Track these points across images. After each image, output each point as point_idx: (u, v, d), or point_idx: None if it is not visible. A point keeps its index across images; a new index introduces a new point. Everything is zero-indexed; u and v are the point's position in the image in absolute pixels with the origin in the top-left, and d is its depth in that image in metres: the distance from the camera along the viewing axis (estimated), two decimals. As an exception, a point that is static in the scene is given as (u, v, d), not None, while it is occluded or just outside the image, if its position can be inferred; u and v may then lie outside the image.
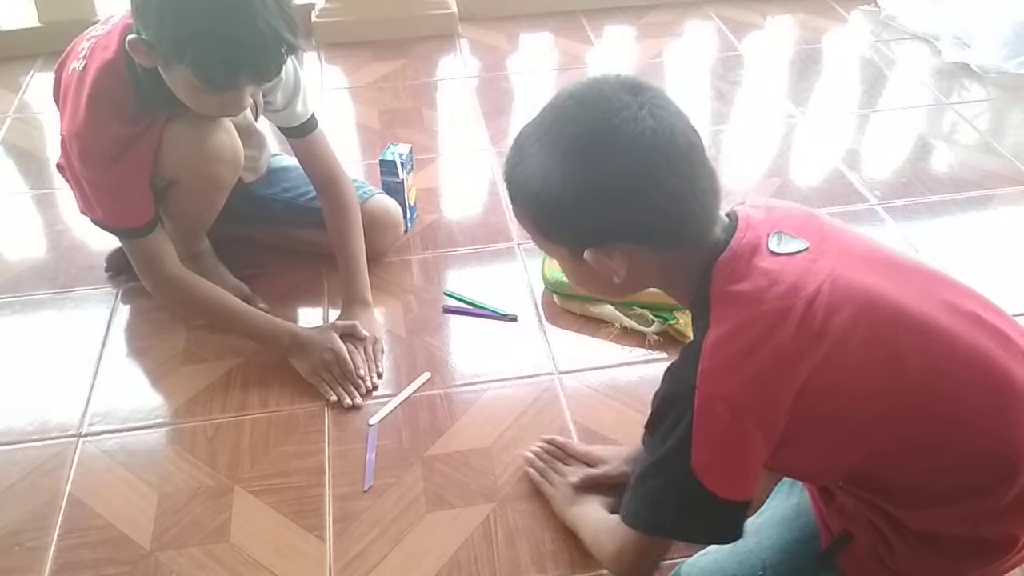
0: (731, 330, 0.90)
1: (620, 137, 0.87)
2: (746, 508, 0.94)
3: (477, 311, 1.67)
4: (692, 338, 0.96)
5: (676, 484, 0.93)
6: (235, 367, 1.56)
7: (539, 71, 2.53)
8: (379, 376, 1.54)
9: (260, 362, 1.56)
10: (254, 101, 1.56)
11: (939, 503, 0.95)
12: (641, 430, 1.01)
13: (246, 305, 1.57)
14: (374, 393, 1.51)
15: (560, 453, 1.37)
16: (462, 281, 1.74)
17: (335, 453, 1.40)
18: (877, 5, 2.78)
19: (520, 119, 2.27)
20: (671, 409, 0.93)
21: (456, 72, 2.53)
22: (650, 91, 0.90)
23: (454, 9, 2.68)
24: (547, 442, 1.39)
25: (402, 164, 1.77)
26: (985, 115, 2.31)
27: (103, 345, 1.61)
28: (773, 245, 0.94)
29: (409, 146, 1.83)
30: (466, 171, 2.12)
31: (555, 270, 1.68)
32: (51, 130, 2.27)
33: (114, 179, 1.42)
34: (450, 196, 2.03)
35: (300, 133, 1.62)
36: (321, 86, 2.42)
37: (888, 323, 0.90)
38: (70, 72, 1.41)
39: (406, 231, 1.85)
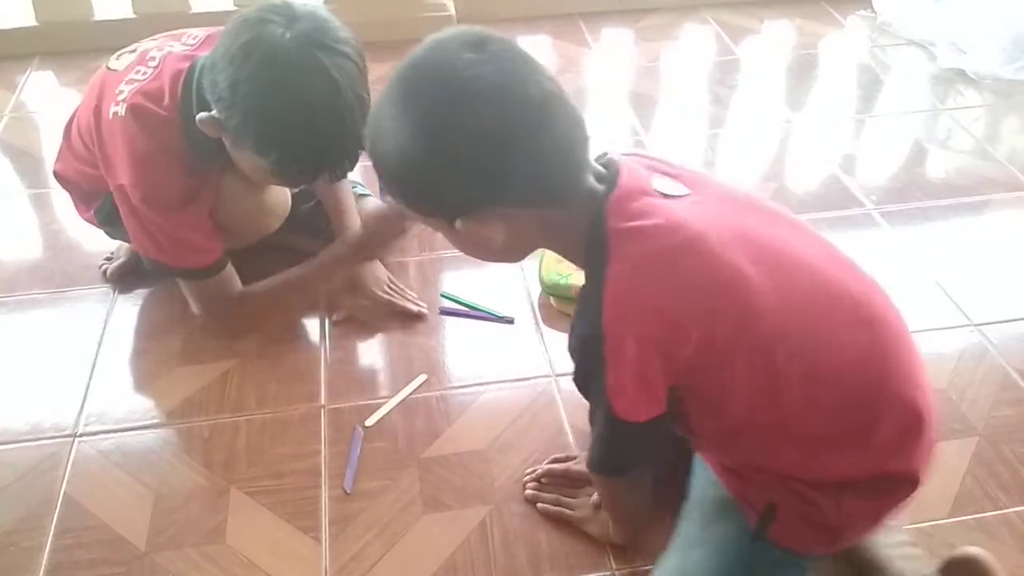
0: (634, 265, 0.91)
1: (467, 99, 0.84)
2: (660, 422, 0.97)
3: (474, 313, 1.67)
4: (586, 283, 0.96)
5: (611, 425, 0.96)
6: (231, 368, 1.55)
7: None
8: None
9: (256, 363, 1.56)
10: None
11: (832, 447, 0.98)
12: None
13: (296, 271, 1.57)
14: (368, 397, 1.51)
15: (561, 479, 1.34)
16: (459, 283, 1.74)
17: (331, 454, 1.40)
18: (874, 11, 2.79)
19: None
20: (587, 355, 0.94)
21: (454, 74, 2.53)
22: (495, 43, 0.87)
23: (452, 11, 2.68)
24: (545, 473, 1.35)
25: (400, 166, 1.77)
26: (981, 121, 2.32)
27: (99, 345, 1.61)
28: (658, 186, 0.96)
29: (407, 148, 1.83)
30: (463, 173, 2.11)
31: (552, 272, 1.68)
32: (47, 130, 2.26)
33: (182, 223, 1.42)
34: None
35: None
36: (318, 87, 2.42)
37: (779, 268, 0.95)
38: (111, 117, 1.38)
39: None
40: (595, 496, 1.28)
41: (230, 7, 2.60)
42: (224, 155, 1.38)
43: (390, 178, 0.94)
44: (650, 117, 2.31)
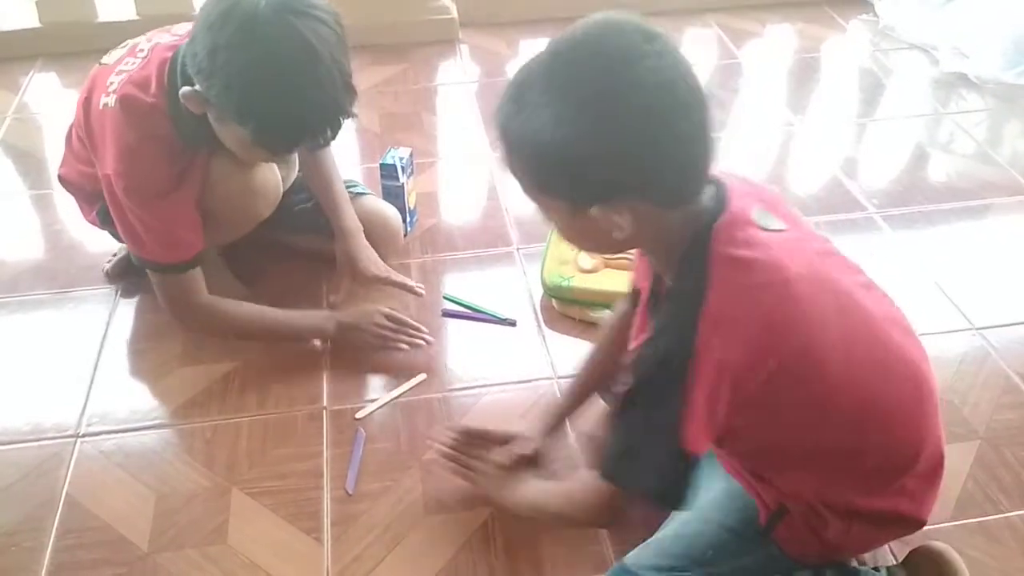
0: (736, 295, 0.90)
1: (640, 89, 0.84)
2: (695, 459, 0.97)
3: (476, 315, 1.67)
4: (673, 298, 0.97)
5: (663, 448, 0.95)
6: (233, 369, 1.56)
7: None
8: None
9: (258, 364, 1.56)
10: None
11: (859, 488, 1.04)
12: None
13: (277, 311, 1.57)
14: (370, 399, 1.51)
15: (475, 440, 1.33)
16: (461, 285, 1.74)
17: (333, 456, 1.40)
18: (876, 15, 2.79)
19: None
20: (665, 367, 0.92)
21: (456, 77, 2.53)
22: (663, 38, 0.87)
23: (455, 14, 2.69)
24: (458, 432, 1.34)
25: (402, 168, 1.78)
26: (983, 125, 2.32)
27: (101, 346, 1.61)
28: (758, 219, 0.95)
29: (409, 150, 1.83)
30: (466, 175, 2.12)
31: (554, 275, 1.68)
32: (50, 131, 2.27)
33: (165, 214, 1.42)
34: (450, 200, 2.03)
35: (323, 145, 1.64)
36: (321, 89, 2.42)
37: (858, 320, 0.98)
38: (100, 108, 1.40)
39: (406, 235, 1.85)
40: (506, 456, 1.29)
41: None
42: (212, 139, 1.38)
43: (530, 154, 0.90)
44: (652, 120, 2.31)
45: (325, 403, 1.49)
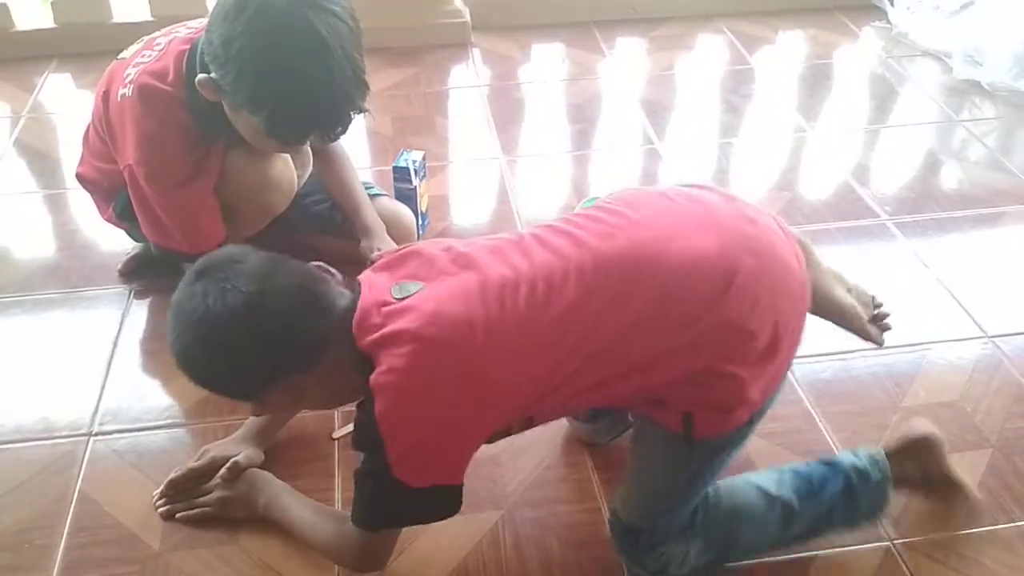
0: (392, 377, 0.99)
1: (188, 327, 1.02)
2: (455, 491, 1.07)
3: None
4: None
5: (383, 487, 1.04)
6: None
7: (551, 81, 2.54)
8: None
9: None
10: None
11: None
12: None
13: None
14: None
15: (186, 483, 1.34)
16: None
17: (344, 458, 1.40)
18: (889, 22, 2.79)
19: (532, 129, 2.29)
20: (366, 443, 1.03)
21: (468, 81, 2.54)
22: (212, 271, 1.03)
23: (467, 18, 2.69)
24: (167, 485, 1.34)
25: (415, 171, 1.78)
26: (995, 133, 2.32)
27: (115, 345, 1.62)
28: (395, 293, 1.05)
29: (422, 153, 1.84)
30: (477, 179, 2.12)
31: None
32: (65, 131, 2.28)
33: (186, 201, 1.44)
34: (461, 204, 2.03)
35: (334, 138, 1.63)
36: (334, 92, 2.43)
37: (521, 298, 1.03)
38: (119, 99, 1.42)
39: (418, 238, 1.85)
40: (225, 477, 1.31)
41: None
42: (229, 129, 1.39)
43: (202, 383, 1.08)
44: (664, 125, 2.32)
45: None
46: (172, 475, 1.34)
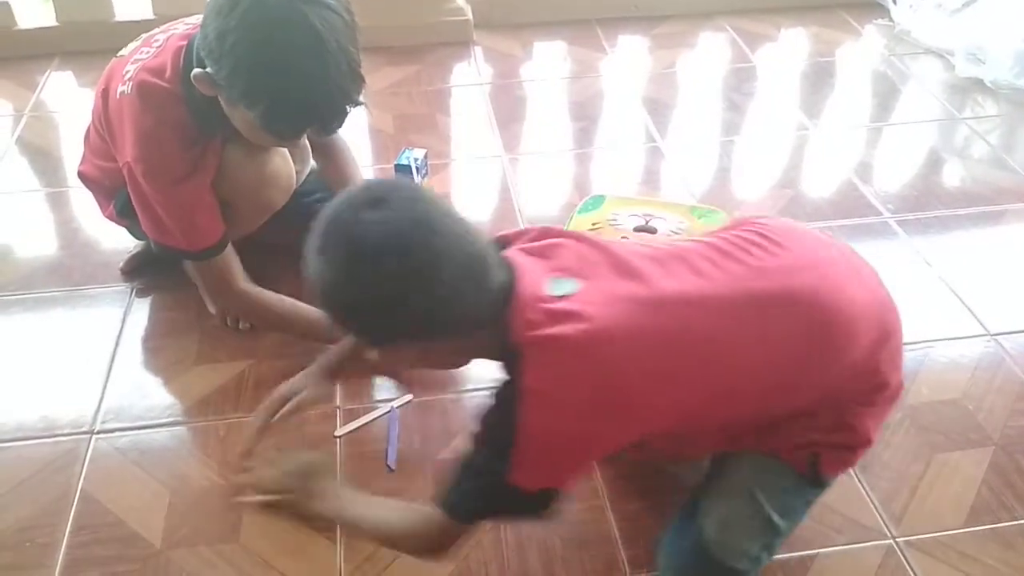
0: (545, 374, 0.96)
1: (361, 257, 0.93)
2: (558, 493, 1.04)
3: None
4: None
5: (497, 491, 1.01)
6: (248, 368, 1.56)
7: (553, 79, 2.54)
8: None
9: (272, 363, 1.57)
10: None
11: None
12: None
13: (315, 310, 1.55)
14: (382, 399, 1.51)
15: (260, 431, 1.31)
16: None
17: (346, 455, 1.41)
18: (891, 20, 2.78)
19: (533, 127, 2.29)
20: (495, 441, 1.01)
21: (470, 79, 2.54)
22: (394, 200, 0.94)
23: (469, 16, 2.69)
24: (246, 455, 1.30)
25: (417, 169, 1.78)
26: (998, 131, 2.31)
27: (117, 343, 1.62)
28: (550, 290, 1.00)
29: (424, 151, 1.84)
30: (479, 177, 2.12)
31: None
32: (67, 129, 2.28)
33: (184, 199, 1.43)
34: (463, 201, 2.03)
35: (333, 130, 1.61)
36: (336, 90, 2.43)
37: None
38: (118, 96, 1.42)
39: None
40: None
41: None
42: (226, 124, 1.39)
43: (342, 318, 1.00)
44: (666, 123, 2.31)
45: (338, 403, 1.50)
46: (246, 447, 1.30)
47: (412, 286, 0.92)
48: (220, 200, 1.48)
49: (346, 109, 1.32)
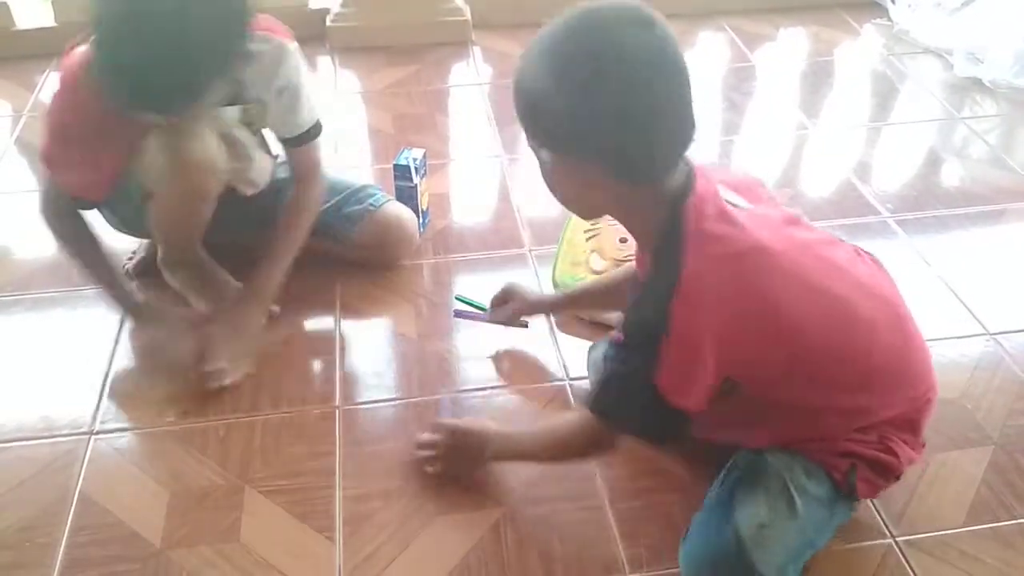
0: (709, 268, 0.98)
1: (622, 59, 0.91)
2: (683, 416, 1.06)
3: (487, 316, 1.66)
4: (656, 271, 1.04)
5: (643, 392, 1.04)
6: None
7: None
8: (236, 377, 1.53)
9: (272, 363, 1.57)
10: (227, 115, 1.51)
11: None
12: None
13: (108, 266, 1.56)
14: (382, 398, 1.51)
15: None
16: (473, 286, 1.74)
17: (345, 455, 1.41)
18: (890, 19, 2.78)
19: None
20: (643, 332, 1.02)
21: (469, 79, 2.54)
22: (658, 19, 0.94)
23: (468, 16, 2.69)
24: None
25: (416, 169, 1.78)
26: (997, 130, 2.31)
27: (115, 343, 1.62)
28: (726, 195, 1.04)
29: (423, 151, 1.83)
30: (478, 177, 2.12)
31: (566, 275, 1.68)
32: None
33: (78, 153, 1.43)
34: (462, 201, 2.03)
35: (301, 141, 1.59)
36: (335, 89, 2.44)
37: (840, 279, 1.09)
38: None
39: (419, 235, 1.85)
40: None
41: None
42: None
43: (518, 102, 1.00)
44: (665, 123, 2.31)
45: (337, 402, 1.50)
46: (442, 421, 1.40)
47: (638, 99, 0.92)
48: (147, 190, 1.51)
49: (179, 101, 1.28)
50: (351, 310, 1.69)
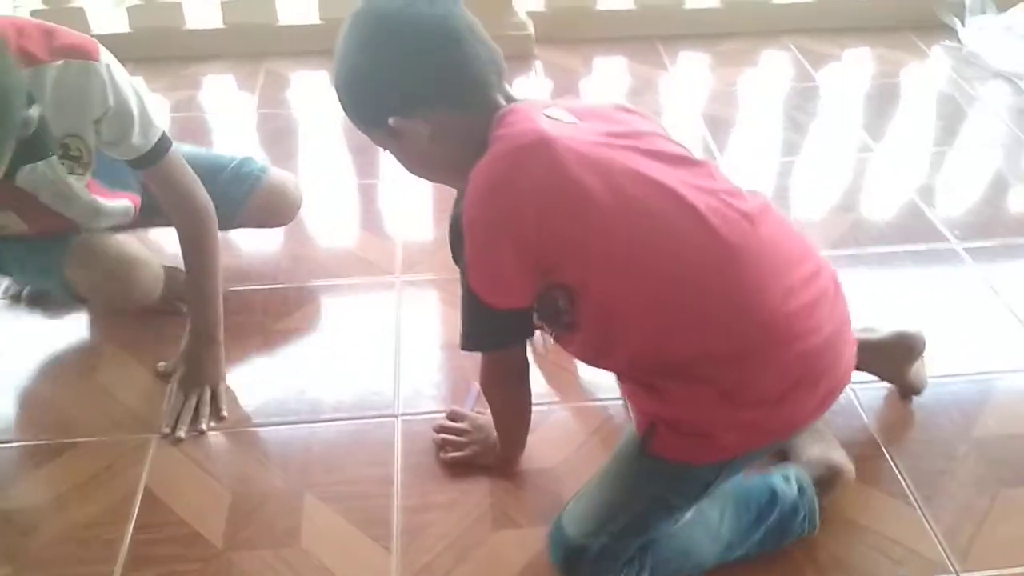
0: (489, 160, 1.04)
1: (404, 20, 1.03)
2: (523, 315, 1.11)
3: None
4: None
5: (468, 303, 1.10)
6: (308, 374, 1.59)
7: (612, 94, 2.54)
8: (219, 418, 1.50)
9: (332, 371, 1.60)
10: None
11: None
12: None
13: None
14: (442, 408, 1.52)
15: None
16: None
17: (404, 465, 1.42)
18: (959, 42, 2.74)
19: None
20: (454, 235, 1.07)
21: (530, 93, 2.55)
22: None
23: (531, 31, 2.70)
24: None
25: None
26: (1069, 157, 2.26)
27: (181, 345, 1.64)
28: (550, 112, 1.08)
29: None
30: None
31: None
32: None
33: None
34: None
35: (144, 164, 1.41)
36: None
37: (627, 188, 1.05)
38: None
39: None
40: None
41: (316, 20, 2.66)
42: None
43: (347, 98, 1.09)
44: (725, 140, 2.30)
45: (397, 411, 1.51)
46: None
47: (441, 49, 1.03)
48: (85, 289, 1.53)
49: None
50: (409, 319, 1.70)
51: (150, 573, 1.26)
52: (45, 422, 1.50)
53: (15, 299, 1.75)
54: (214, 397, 1.52)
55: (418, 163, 1.14)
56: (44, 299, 1.74)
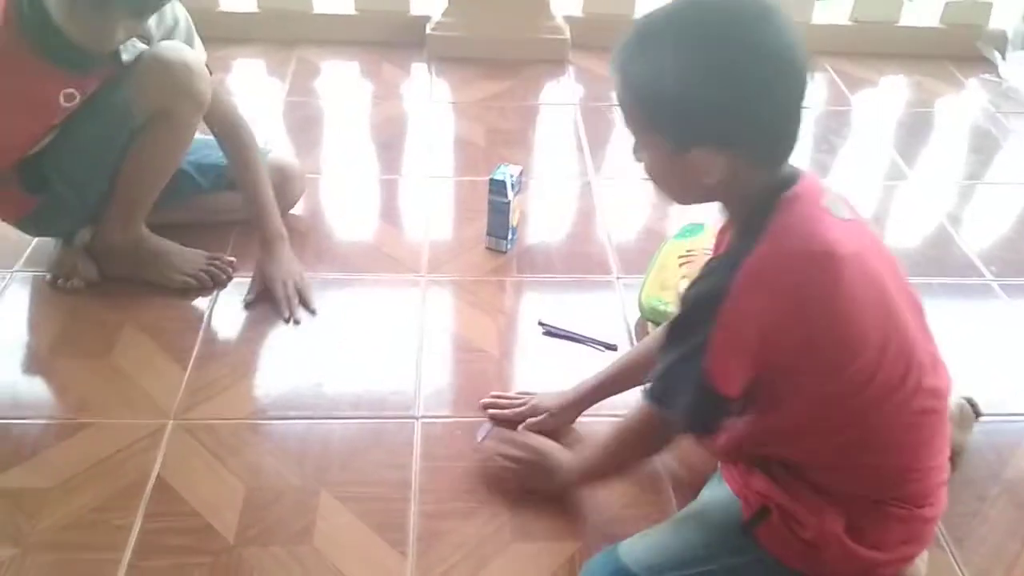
0: (779, 257, 0.97)
1: (765, 49, 0.94)
2: (726, 404, 1.05)
3: (576, 336, 1.64)
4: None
5: (692, 377, 1.02)
6: (328, 369, 1.56)
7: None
8: (312, 312, 1.66)
9: (353, 367, 1.57)
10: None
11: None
12: None
13: None
14: (463, 413, 1.49)
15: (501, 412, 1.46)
16: (557, 309, 1.71)
17: (422, 468, 1.38)
18: (999, 76, 2.70)
19: (624, 150, 2.26)
20: (700, 305, 1.02)
21: (563, 98, 2.52)
22: (781, 10, 0.96)
23: (567, 35, 2.68)
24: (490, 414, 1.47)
25: (512, 185, 1.76)
26: (1105, 198, 2.23)
27: (199, 336, 1.62)
28: (828, 203, 1.02)
29: (520, 168, 1.82)
30: (567, 198, 2.10)
31: (653, 298, 1.64)
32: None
33: None
34: (548, 221, 2.00)
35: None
36: (429, 98, 2.45)
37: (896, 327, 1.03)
38: None
39: (505, 251, 1.83)
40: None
41: (351, 11, 2.64)
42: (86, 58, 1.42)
43: (649, 95, 0.98)
44: (759, 160, 2.27)
45: (417, 413, 1.48)
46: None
47: (782, 88, 0.96)
48: (143, 117, 1.55)
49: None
50: (432, 321, 1.68)
51: (159, 563, 1.23)
52: (59, 400, 1.48)
53: (52, 285, 1.71)
54: (302, 289, 1.68)
55: (678, 186, 1.06)
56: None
